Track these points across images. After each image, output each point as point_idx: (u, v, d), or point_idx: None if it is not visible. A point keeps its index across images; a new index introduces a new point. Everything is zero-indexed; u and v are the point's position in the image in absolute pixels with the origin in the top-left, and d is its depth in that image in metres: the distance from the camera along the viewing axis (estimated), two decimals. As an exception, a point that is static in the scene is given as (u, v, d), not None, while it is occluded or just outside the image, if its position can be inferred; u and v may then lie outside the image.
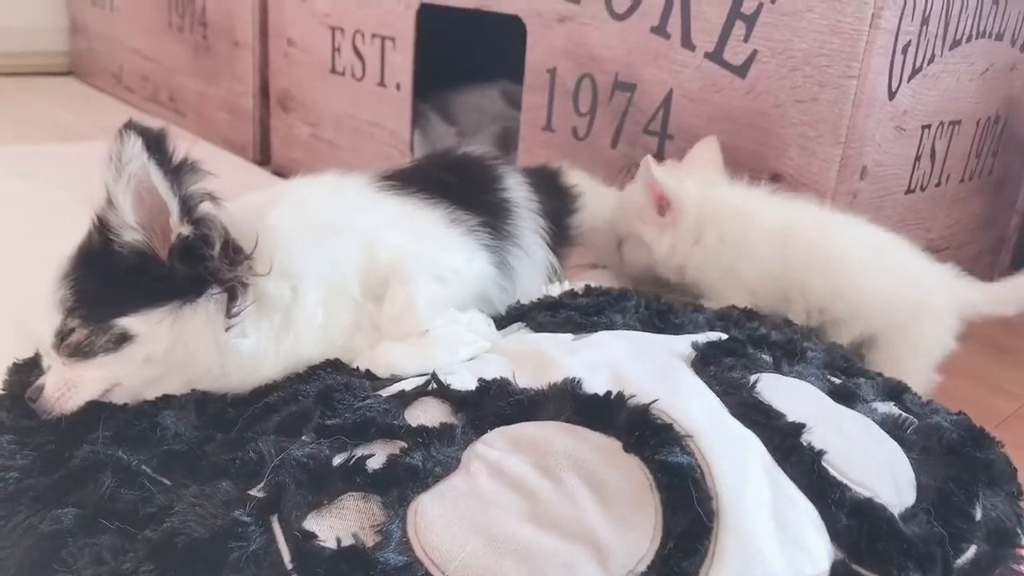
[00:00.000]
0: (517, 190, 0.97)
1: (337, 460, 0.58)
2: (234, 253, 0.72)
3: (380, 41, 1.64)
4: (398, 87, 1.63)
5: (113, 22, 2.53)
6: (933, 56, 1.13)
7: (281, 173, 1.96)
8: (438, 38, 1.60)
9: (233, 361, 0.73)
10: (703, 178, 1.06)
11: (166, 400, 0.72)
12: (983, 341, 1.43)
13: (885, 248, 0.98)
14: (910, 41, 1.06)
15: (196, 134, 2.19)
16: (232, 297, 0.71)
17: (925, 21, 1.07)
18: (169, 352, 0.71)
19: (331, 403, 0.65)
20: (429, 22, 1.56)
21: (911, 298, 0.96)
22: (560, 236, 1.02)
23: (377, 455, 0.58)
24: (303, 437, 0.62)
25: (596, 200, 1.14)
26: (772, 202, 1.03)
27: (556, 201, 1.05)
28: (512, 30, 1.39)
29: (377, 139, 1.72)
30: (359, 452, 0.58)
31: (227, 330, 0.71)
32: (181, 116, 2.30)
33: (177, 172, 0.69)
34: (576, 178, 1.15)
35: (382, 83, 1.66)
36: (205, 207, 0.71)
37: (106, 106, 2.51)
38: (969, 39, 1.19)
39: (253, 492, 0.57)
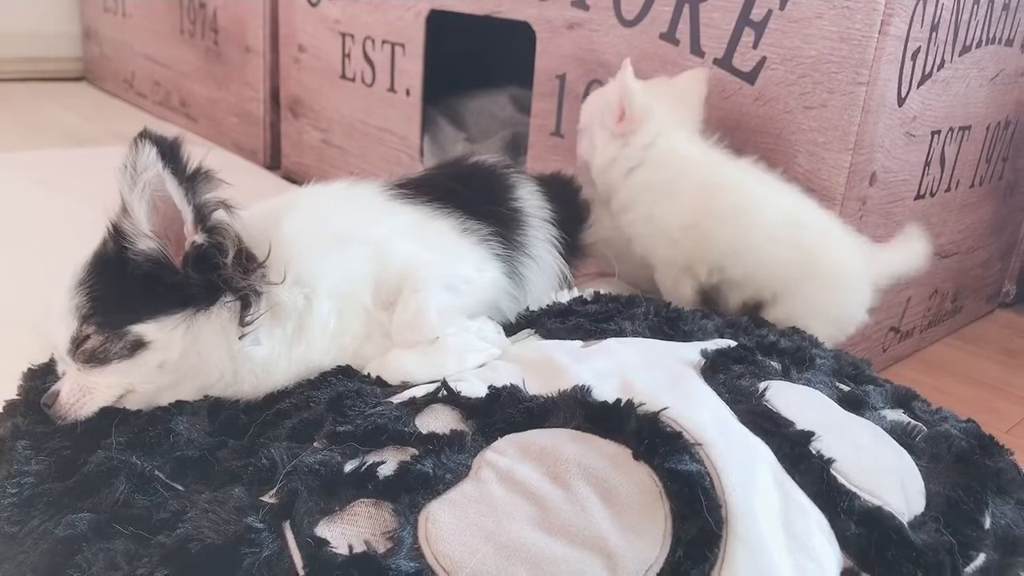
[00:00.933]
0: (529, 199, 0.98)
1: (349, 467, 0.58)
2: (247, 261, 0.73)
3: (390, 47, 1.65)
4: (408, 93, 1.64)
5: (125, 28, 2.55)
6: (943, 62, 1.12)
7: (291, 178, 1.97)
8: (448, 44, 1.61)
9: (246, 368, 0.73)
10: (675, 113, 1.07)
11: (179, 406, 0.72)
12: (992, 347, 1.44)
13: (803, 219, 1.00)
14: (919, 47, 1.06)
15: (207, 139, 2.21)
16: (246, 305, 0.72)
17: (935, 27, 1.07)
18: (183, 359, 0.72)
19: (342, 410, 0.66)
20: (439, 28, 1.57)
21: (812, 267, 0.98)
22: (572, 245, 1.02)
23: (388, 462, 0.58)
24: (315, 443, 0.62)
25: None
26: (716, 159, 1.05)
27: (569, 210, 1.06)
28: (522, 36, 1.40)
29: (387, 144, 1.72)
30: (370, 459, 0.59)
31: (240, 338, 0.72)
32: (192, 121, 2.32)
33: (191, 180, 0.70)
34: None
35: (392, 89, 1.67)
36: (219, 215, 0.72)
37: (118, 111, 2.53)
38: (979, 45, 1.19)
39: (265, 498, 0.57)
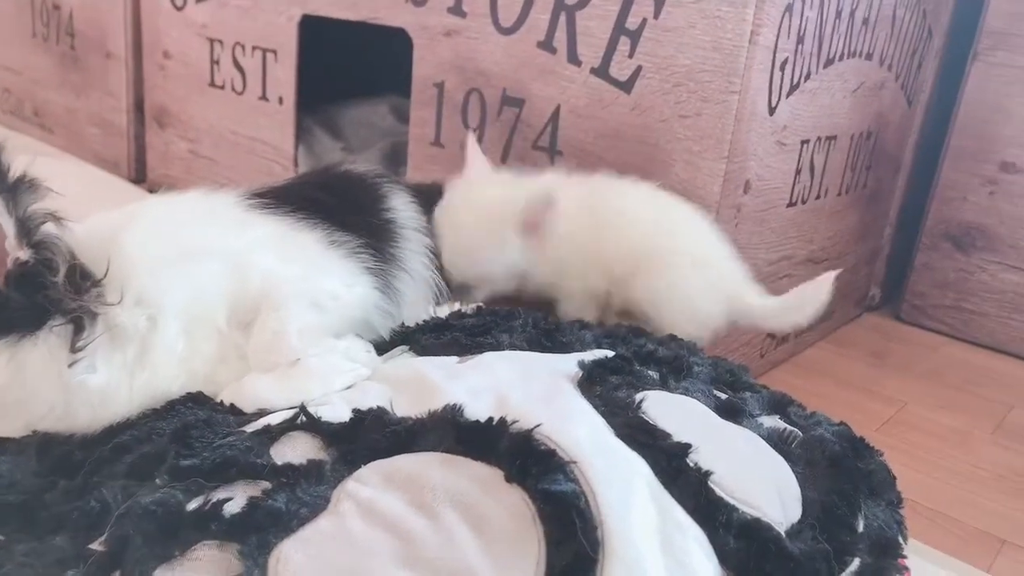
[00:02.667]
0: (403, 210, 0.93)
1: (192, 505, 0.52)
2: (81, 280, 0.65)
3: (261, 54, 1.57)
4: (280, 101, 1.57)
5: (-29, 31, 2.36)
6: (809, 73, 1.16)
7: (157, 191, 1.85)
8: (325, 51, 1.55)
9: (80, 398, 0.65)
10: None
11: (1, 444, 0.64)
12: (860, 349, 1.49)
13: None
14: (787, 58, 1.09)
15: (65, 151, 2.06)
16: (78, 329, 0.64)
17: (801, 39, 1.10)
18: (5, 391, 0.64)
19: (188, 441, 0.59)
20: (316, 35, 1.51)
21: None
22: None
23: (236, 498, 0.53)
24: (156, 481, 0.56)
25: None
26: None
27: None
28: (401, 43, 1.36)
29: (259, 155, 1.64)
30: (216, 496, 0.53)
31: (70, 366, 0.64)
32: (48, 132, 2.15)
33: (13, 190, 0.62)
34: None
35: (264, 97, 1.60)
36: (47, 229, 0.64)
37: (-37, 121, 2.33)
38: (841, 58, 1.23)
39: (94, 546, 0.51)
